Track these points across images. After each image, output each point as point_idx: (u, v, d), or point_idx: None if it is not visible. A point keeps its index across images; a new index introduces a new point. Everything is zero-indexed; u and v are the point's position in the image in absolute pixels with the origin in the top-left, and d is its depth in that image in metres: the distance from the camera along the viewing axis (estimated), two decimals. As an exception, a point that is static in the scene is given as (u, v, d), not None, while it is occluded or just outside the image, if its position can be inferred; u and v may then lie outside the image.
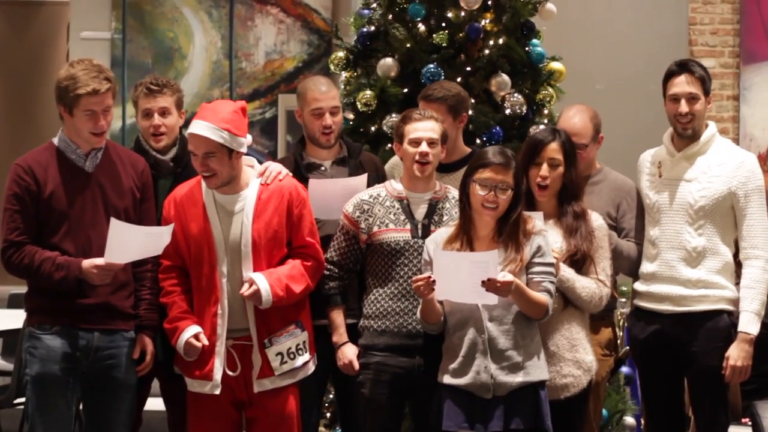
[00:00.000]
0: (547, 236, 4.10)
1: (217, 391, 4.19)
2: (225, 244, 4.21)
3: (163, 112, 4.48)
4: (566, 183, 4.26)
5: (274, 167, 4.36)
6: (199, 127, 4.16)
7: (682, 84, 4.44)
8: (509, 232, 4.05)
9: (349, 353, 4.33)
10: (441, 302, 4.08)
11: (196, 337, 4.17)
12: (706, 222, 4.41)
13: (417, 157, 4.26)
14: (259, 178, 4.29)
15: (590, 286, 4.20)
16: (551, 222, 4.24)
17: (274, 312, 4.21)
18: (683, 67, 4.46)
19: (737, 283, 4.43)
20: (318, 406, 4.74)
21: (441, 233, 4.17)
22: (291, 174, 4.40)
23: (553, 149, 4.24)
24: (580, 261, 4.21)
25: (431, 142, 4.26)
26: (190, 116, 4.46)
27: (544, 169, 4.22)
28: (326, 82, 4.73)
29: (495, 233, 4.07)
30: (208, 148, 4.15)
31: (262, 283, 4.15)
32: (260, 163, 4.40)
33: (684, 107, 4.42)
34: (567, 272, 4.18)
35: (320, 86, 4.67)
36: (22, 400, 5.14)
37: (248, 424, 4.34)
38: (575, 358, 4.21)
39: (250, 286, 4.14)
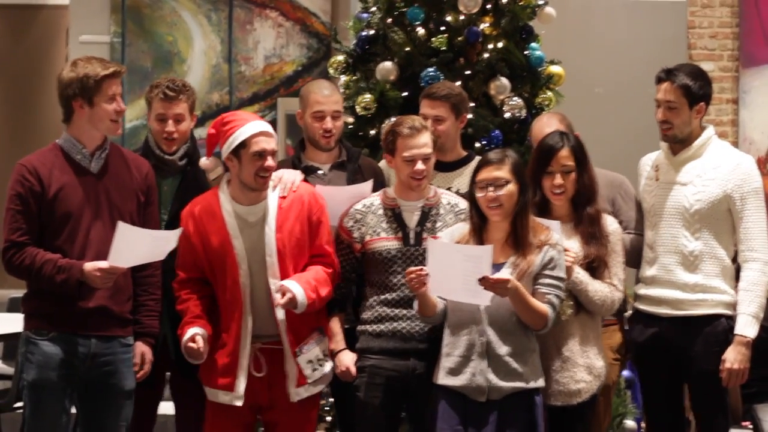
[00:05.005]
0: (563, 251, 4.07)
1: (239, 403, 4.18)
2: (247, 256, 4.18)
3: (177, 119, 4.46)
4: (579, 188, 4.24)
5: (287, 177, 4.32)
6: (271, 128, 4.23)
7: (661, 91, 4.45)
8: (516, 235, 4.04)
9: (346, 360, 4.31)
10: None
11: (193, 338, 4.14)
12: (703, 226, 4.40)
13: (413, 175, 4.25)
14: (274, 189, 4.26)
15: (603, 290, 4.20)
16: (567, 226, 4.23)
17: (301, 319, 4.19)
18: (668, 74, 4.46)
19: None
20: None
21: (458, 228, 4.16)
22: (304, 177, 4.39)
23: (564, 156, 4.22)
24: (595, 266, 4.21)
25: (426, 158, 4.25)
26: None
27: (558, 178, 4.21)
28: (329, 87, 4.74)
29: (509, 237, 4.07)
30: (276, 148, 4.21)
31: (296, 288, 4.11)
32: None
33: (659, 114, 4.44)
34: (580, 275, 4.17)
35: (323, 90, 4.67)
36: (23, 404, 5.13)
37: (268, 428, 4.33)
38: (587, 363, 4.20)
39: (284, 294, 4.10)
